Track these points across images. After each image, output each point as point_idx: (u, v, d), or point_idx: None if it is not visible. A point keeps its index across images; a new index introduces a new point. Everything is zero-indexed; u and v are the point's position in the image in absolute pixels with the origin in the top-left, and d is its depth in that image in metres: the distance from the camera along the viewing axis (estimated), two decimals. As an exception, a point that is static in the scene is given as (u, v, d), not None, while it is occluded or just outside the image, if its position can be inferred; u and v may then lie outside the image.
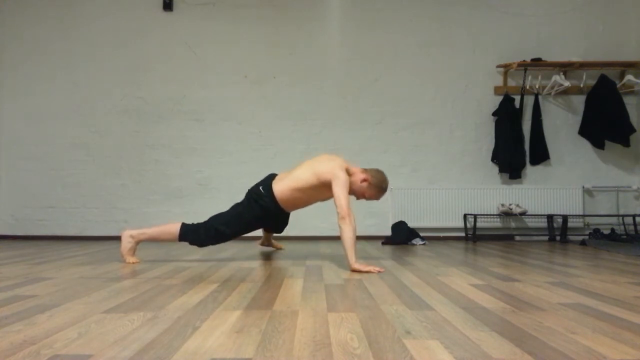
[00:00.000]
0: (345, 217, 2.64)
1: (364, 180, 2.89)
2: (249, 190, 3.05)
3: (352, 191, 2.92)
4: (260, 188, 2.97)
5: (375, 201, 4.75)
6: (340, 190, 2.71)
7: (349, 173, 2.87)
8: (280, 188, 2.92)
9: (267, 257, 3.32)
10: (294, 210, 3.10)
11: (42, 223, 4.93)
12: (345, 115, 4.99)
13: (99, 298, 1.84)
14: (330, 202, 2.97)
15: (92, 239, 4.76)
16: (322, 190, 2.88)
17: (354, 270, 2.59)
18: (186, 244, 3.06)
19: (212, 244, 3.00)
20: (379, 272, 2.55)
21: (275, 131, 4.97)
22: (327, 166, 2.84)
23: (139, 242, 3.01)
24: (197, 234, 2.93)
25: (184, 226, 2.95)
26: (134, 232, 2.99)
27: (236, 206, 3.03)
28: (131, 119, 4.97)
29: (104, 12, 5.03)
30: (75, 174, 4.95)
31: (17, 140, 4.98)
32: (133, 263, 2.93)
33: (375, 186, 2.90)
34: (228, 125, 4.97)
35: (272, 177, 3.05)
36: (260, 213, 2.95)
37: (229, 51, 5.01)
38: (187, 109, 4.98)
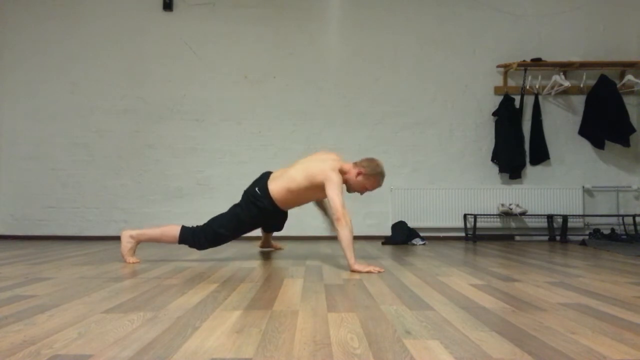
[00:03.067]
0: (341, 219, 2.63)
1: (359, 173, 2.87)
2: (245, 191, 3.04)
3: (352, 189, 2.93)
4: (257, 189, 2.96)
5: (374, 201, 4.83)
6: (333, 192, 2.69)
7: (343, 172, 2.85)
8: (276, 188, 2.92)
9: (267, 257, 3.31)
10: (291, 208, 3.09)
11: (42, 223, 4.93)
12: (345, 115, 4.99)
13: (99, 298, 1.84)
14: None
15: (92, 239, 4.76)
16: (316, 191, 2.87)
17: (353, 271, 2.59)
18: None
19: (212, 246, 3.01)
20: (379, 272, 2.55)
21: (275, 131, 4.97)
22: (319, 168, 2.81)
23: (139, 243, 3.01)
24: (196, 238, 2.94)
25: (184, 229, 2.95)
26: (134, 232, 2.99)
27: (234, 207, 3.02)
28: (131, 119, 4.97)
29: (104, 12, 5.03)
30: (75, 174, 4.95)
31: (17, 140, 4.98)
32: (133, 263, 2.93)
33: (371, 175, 2.87)
34: (228, 125, 4.97)
35: (267, 175, 3.04)
36: (258, 214, 2.95)
37: (229, 51, 5.01)
38: (187, 109, 4.98)
